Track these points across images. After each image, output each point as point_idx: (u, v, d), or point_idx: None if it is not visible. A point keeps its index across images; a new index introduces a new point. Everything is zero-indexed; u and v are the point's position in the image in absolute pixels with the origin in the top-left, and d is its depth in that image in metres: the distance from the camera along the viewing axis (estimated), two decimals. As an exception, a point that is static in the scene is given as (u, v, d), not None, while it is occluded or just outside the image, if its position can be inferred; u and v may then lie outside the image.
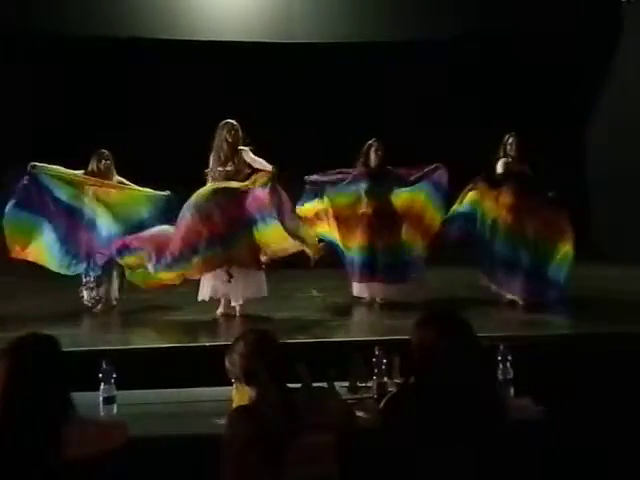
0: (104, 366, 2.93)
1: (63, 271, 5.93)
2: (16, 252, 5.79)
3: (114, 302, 6.11)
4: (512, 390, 2.98)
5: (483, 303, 6.02)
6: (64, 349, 2.19)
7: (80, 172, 6.01)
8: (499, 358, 3.00)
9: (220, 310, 5.71)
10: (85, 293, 5.99)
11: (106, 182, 6.00)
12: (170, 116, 8.83)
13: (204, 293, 5.64)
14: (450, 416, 2.08)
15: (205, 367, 3.23)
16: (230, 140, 5.64)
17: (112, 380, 2.92)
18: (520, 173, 6.21)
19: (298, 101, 8.86)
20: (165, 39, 8.45)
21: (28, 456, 1.95)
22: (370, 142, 6.37)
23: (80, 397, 2.18)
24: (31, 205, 5.77)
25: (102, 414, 2.87)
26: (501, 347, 3.04)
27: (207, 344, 4.66)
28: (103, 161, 6.04)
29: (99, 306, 5.98)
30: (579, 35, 8.74)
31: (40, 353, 2.07)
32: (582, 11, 8.64)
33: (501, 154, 6.29)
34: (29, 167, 5.84)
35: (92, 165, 6.04)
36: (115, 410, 2.92)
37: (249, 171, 5.63)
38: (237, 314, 5.65)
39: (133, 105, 8.84)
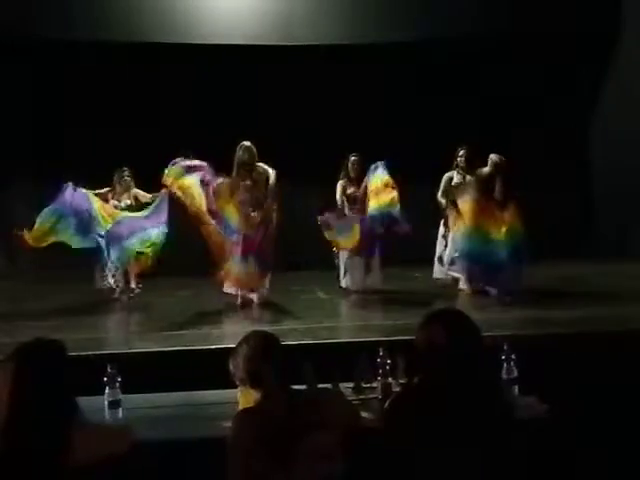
0: (109, 370, 2.94)
1: (86, 244, 6.60)
2: (37, 241, 6.43)
3: (134, 290, 6.92)
4: (517, 389, 2.98)
5: (483, 301, 6.08)
6: (70, 353, 2.19)
7: (105, 190, 7.00)
8: (503, 357, 3.01)
9: None
10: (110, 280, 6.82)
11: (106, 206, 6.83)
12: (170, 118, 8.87)
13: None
14: (455, 416, 2.08)
15: (211, 369, 3.24)
16: (247, 160, 6.34)
17: (117, 384, 2.93)
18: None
19: (299, 103, 8.88)
20: (163, 42, 8.48)
21: (34, 461, 1.95)
22: (351, 157, 7.03)
23: (85, 401, 2.19)
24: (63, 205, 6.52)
25: (107, 418, 2.88)
26: (505, 346, 3.04)
27: (213, 347, 4.66)
28: (123, 178, 7.04)
29: (118, 292, 6.81)
30: (579, 35, 8.75)
31: (46, 358, 2.08)
32: (582, 11, 8.64)
33: (453, 165, 7.13)
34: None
35: (115, 181, 7.04)
36: (121, 414, 2.92)
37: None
38: None
39: (133, 107, 8.86)
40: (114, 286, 6.87)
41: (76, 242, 6.60)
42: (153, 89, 8.91)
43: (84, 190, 6.63)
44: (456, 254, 6.83)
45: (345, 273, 7.09)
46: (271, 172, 6.43)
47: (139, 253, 6.68)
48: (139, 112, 8.84)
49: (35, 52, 8.56)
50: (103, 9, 8.42)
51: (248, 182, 6.38)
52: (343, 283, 7.09)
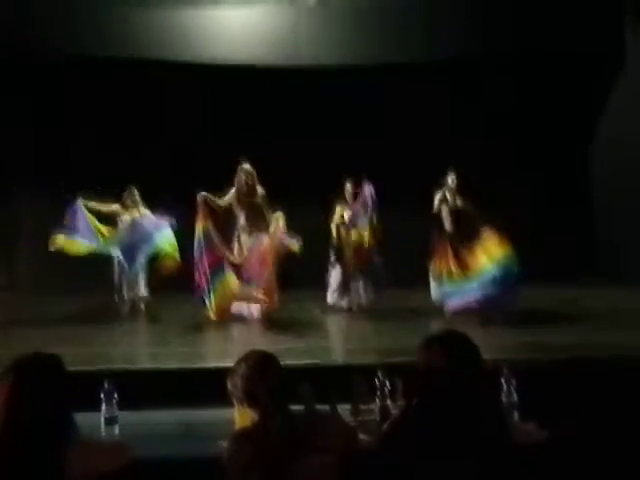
0: (106, 386, 2.92)
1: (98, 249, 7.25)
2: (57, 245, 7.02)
3: (141, 306, 7.42)
4: (516, 414, 2.96)
5: (484, 325, 6.08)
6: (67, 368, 2.18)
7: (116, 205, 7.57)
8: (503, 382, 2.98)
9: None
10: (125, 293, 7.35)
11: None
12: (174, 136, 8.91)
13: None
14: (455, 439, 2.06)
15: (208, 388, 3.22)
16: (249, 182, 6.77)
17: (114, 401, 2.91)
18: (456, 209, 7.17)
19: (304, 121, 8.94)
20: (171, 61, 8.54)
21: (30, 477, 1.94)
22: (347, 182, 7.51)
23: (82, 417, 2.17)
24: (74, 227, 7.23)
25: (104, 435, 2.85)
26: (505, 371, 3.02)
27: (210, 365, 4.64)
28: (133, 197, 7.61)
29: (127, 308, 7.29)
30: (585, 55, 8.80)
31: (43, 373, 2.06)
32: (587, 31, 8.70)
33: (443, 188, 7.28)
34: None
35: (124, 199, 7.59)
36: (117, 431, 2.90)
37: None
38: None
39: (140, 125, 8.91)
40: (128, 298, 7.36)
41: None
42: (158, 107, 8.96)
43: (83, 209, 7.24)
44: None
45: (336, 290, 7.42)
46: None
47: (157, 257, 7.33)
48: (143, 130, 8.89)
49: (38, 68, 8.62)
50: (109, 25, 8.49)
51: (246, 205, 6.72)
52: (330, 300, 7.45)
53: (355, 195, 7.48)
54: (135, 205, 7.65)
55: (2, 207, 9.22)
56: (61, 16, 8.34)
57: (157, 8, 8.36)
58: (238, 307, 6.74)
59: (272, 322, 6.43)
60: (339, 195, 7.62)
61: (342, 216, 7.53)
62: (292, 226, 6.83)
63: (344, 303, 7.43)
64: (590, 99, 9.50)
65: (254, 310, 6.64)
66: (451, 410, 2.09)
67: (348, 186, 7.55)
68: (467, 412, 2.08)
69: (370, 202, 7.25)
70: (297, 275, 7.77)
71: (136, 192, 7.66)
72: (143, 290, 7.48)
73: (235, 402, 2.38)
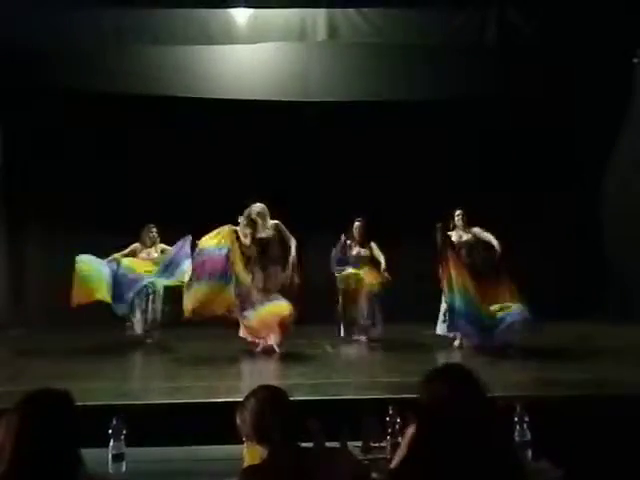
0: (114, 422, 2.89)
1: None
2: (79, 299, 7.05)
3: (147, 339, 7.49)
4: (530, 453, 2.90)
5: (495, 362, 6.01)
6: (76, 403, 2.16)
7: (135, 244, 7.78)
8: (516, 419, 2.93)
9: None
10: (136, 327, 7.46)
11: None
12: (184, 172, 8.98)
13: None
14: (464, 473, 2.02)
15: (217, 424, 3.19)
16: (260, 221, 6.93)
17: (122, 437, 2.88)
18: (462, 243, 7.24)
19: (310, 158, 9.01)
20: (181, 97, 8.63)
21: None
22: (356, 221, 7.76)
23: (88, 454, 2.15)
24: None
25: (111, 471, 2.82)
26: (518, 408, 2.97)
27: (220, 400, 4.60)
28: (151, 234, 7.79)
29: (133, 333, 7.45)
30: (590, 99, 8.82)
31: (52, 408, 2.05)
32: (593, 74, 8.72)
33: (450, 226, 7.31)
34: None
35: (143, 236, 7.77)
36: (124, 468, 2.86)
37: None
38: None
39: (150, 161, 8.99)
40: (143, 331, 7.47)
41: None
42: (163, 144, 9.03)
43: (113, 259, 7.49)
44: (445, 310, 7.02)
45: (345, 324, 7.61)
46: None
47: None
48: (149, 166, 8.96)
49: (40, 100, 8.71)
50: (120, 62, 8.58)
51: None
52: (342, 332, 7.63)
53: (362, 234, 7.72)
54: (154, 242, 7.80)
55: (12, 240, 9.26)
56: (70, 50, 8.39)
57: (168, 45, 8.47)
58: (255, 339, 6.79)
59: (282, 357, 6.40)
60: (347, 231, 7.76)
61: (349, 251, 7.70)
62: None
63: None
64: (597, 141, 9.52)
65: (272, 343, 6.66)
66: (460, 442, 2.04)
67: (357, 224, 7.76)
68: (477, 444, 2.04)
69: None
70: (308, 310, 7.79)
71: (154, 229, 7.81)
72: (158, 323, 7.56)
73: (244, 438, 2.35)
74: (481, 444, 2.04)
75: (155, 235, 7.83)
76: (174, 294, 7.24)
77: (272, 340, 6.64)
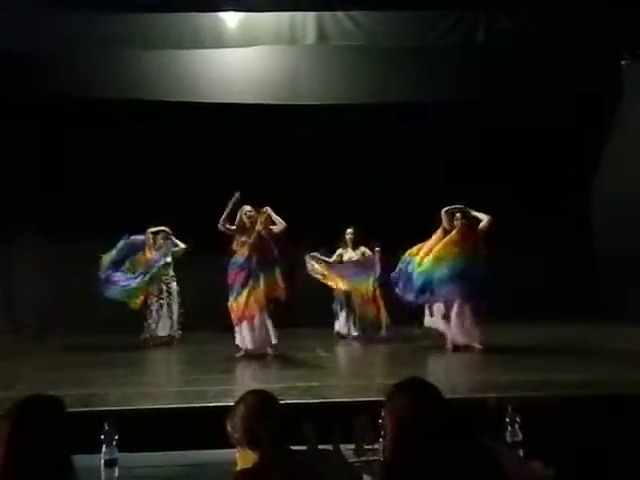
0: (106, 428, 2.88)
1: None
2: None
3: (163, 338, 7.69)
4: (521, 453, 2.91)
5: (487, 363, 6.02)
6: (68, 409, 2.16)
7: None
8: (507, 420, 2.95)
9: None
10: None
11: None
12: (172, 178, 8.98)
13: None
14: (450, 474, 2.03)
15: (209, 429, 3.18)
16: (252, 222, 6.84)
17: (114, 442, 2.87)
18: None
19: (302, 161, 9.01)
20: (169, 101, 8.63)
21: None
22: (348, 230, 7.97)
23: (81, 460, 2.14)
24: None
25: (103, 477, 2.81)
26: (509, 409, 2.99)
27: (211, 404, 4.59)
28: (162, 239, 8.11)
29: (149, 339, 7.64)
30: (580, 98, 8.87)
31: (43, 415, 2.04)
32: (582, 74, 8.76)
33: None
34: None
35: (156, 239, 8.08)
36: (117, 473, 2.86)
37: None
38: None
39: (138, 166, 8.99)
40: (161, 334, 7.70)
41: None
42: (159, 149, 9.03)
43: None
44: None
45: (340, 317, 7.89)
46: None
47: None
48: (142, 172, 8.96)
49: (38, 111, 8.71)
50: (109, 67, 8.57)
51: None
52: (337, 327, 7.93)
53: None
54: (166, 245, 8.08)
55: (1, 249, 9.21)
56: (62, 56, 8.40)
57: (159, 49, 8.45)
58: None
59: (275, 360, 6.40)
60: (340, 239, 7.97)
61: (341, 260, 7.98)
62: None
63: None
64: (587, 143, 9.57)
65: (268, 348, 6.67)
66: (439, 451, 2.06)
67: (349, 230, 7.96)
68: (455, 450, 2.06)
69: (377, 268, 7.70)
70: (300, 314, 7.80)
71: (167, 234, 8.11)
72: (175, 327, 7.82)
73: (235, 443, 2.34)
74: (456, 446, 2.06)
75: (165, 240, 8.06)
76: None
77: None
